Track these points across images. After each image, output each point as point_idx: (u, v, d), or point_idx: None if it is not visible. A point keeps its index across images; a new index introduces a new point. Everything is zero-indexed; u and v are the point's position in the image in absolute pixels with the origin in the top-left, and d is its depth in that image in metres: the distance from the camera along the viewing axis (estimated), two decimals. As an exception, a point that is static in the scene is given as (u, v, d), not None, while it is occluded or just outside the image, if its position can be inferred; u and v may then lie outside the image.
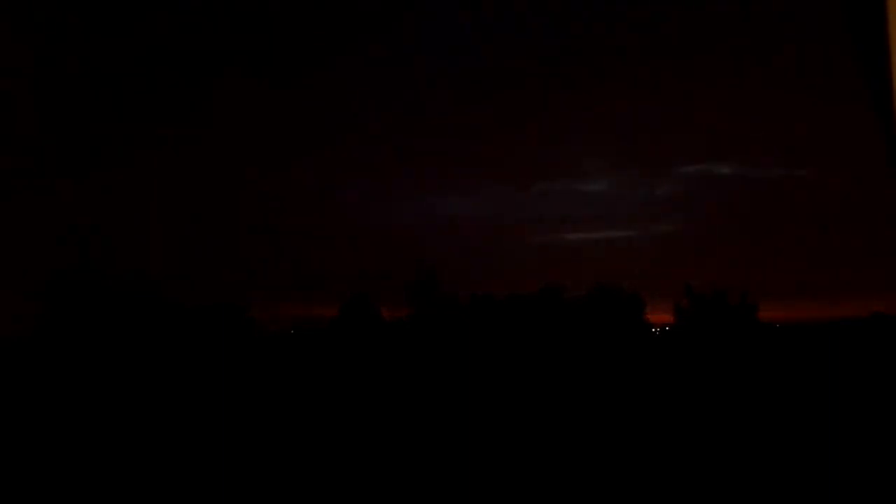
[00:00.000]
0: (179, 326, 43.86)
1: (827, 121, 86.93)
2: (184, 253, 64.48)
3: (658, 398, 21.50)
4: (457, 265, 78.11)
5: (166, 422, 17.79)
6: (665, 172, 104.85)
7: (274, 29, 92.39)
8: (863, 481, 10.21)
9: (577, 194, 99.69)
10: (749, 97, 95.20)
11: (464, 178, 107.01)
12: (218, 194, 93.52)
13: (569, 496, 10.23)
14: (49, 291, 42.90)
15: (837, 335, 52.36)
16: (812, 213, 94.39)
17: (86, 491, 10.82)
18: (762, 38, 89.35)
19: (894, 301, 78.60)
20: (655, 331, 61.18)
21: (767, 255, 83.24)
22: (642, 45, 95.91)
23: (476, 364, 35.29)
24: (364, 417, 18.54)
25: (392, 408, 20.14)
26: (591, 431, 15.60)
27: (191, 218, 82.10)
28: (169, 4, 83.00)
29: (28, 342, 38.40)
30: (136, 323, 42.14)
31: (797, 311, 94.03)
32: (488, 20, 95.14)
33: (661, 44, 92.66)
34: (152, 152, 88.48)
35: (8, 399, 22.29)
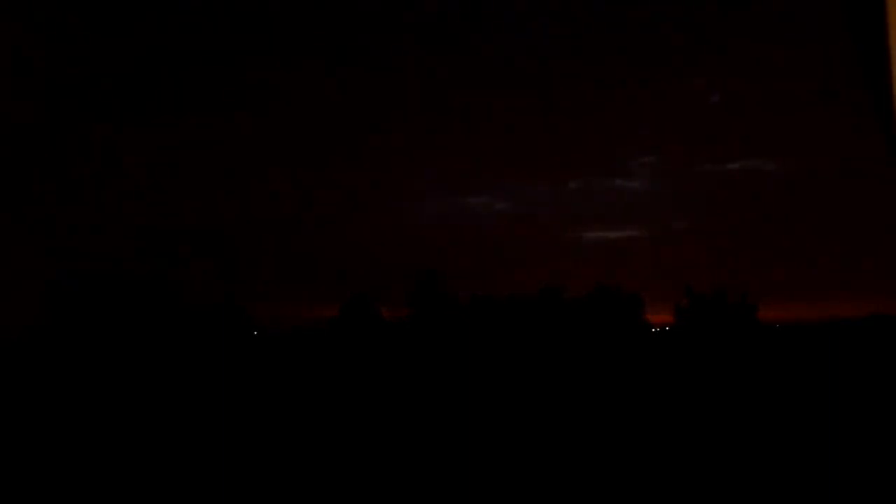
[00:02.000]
0: (179, 326, 43.93)
1: (827, 121, 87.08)
2: (184, 253, 64.73)
3: (658, 398, 21.52)
4: (468, 265, 78.50)
5: (167, 421, 17.81)
6: (709, 168, 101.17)
7: (278, 29, 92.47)
8: (863, 481, 10.24)
9: (614, 192, 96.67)
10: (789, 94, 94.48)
11: (493, 175, 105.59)
12: (219, 195, 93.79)
13: (568, 495, 10.25)
14: (49, 291, 43.04)
15: (837, 335, 52.32)
16: (813, 213, 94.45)
17: (86, 489, 10.85)
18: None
19: (894, 301, 78.80)
20: (655, 331, 61.14)
21: (769, 254, 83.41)
22: (696, 43, 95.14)
23: (476, 364, 35.31)
24: (364, 417, 18.57)
25: (392, 408, 20.16)
26: (591, 431, 15.63)
27: (191, 218, 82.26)
28: (170, 4, 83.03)
29: (28, 342, 38.43)
30: (136, 322, 42.21)
31: (797, 311, 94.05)
32: (532, 16, 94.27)
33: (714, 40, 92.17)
34: (152, 153, 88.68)
35: (8, 398, 22.32)
